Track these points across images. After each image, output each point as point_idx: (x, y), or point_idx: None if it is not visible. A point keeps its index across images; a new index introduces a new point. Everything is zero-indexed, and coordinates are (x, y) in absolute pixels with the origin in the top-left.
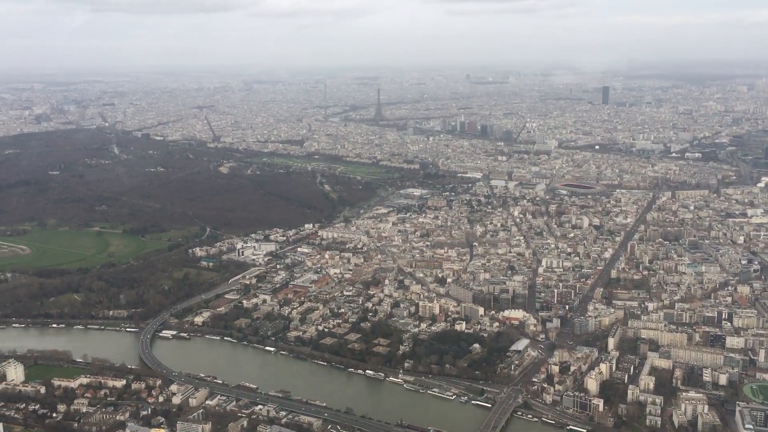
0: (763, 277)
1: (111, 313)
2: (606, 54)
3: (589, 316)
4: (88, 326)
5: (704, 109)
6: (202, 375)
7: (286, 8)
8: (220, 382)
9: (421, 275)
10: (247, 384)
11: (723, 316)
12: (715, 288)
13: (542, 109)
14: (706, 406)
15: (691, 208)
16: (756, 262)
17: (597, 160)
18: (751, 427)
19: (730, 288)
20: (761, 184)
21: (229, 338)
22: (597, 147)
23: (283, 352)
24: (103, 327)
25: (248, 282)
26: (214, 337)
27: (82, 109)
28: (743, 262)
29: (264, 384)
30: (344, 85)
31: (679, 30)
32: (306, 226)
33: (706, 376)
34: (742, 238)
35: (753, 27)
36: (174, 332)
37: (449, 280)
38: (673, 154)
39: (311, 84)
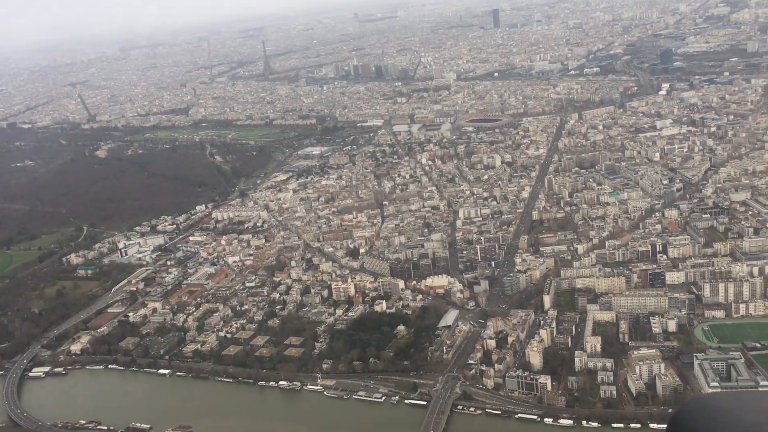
0: (687, 196)
1: None
2: None
3: (519, 271)
4: None
5: (593, 20)
6: (83, 422)
7: None
8: (105, 428)
9: (331, 249)
10: (139, 425)
11: (657, 249)
12: (642, 216)
13: (435, 41)
14: (662, 365)
15: (600, 128)
16: (677, 180)
17: (498, 89)
18: (716, 384)
19: (657, 214)
20: (663, 92)
21: (114, 365)
22: (496, 74)
23: (180, 373)
24: None
25: (134, 288)
26: (97, 367)
27: None
28: (665, 182)
29: (159, 421)
30: (229, 40)
31: None
32: (198, 208)
33: (655, 326)
34: (657, 154)
35: None
36: (47, 369)
37: (362, 250)
38: (572, 72)
39: (194, 43)
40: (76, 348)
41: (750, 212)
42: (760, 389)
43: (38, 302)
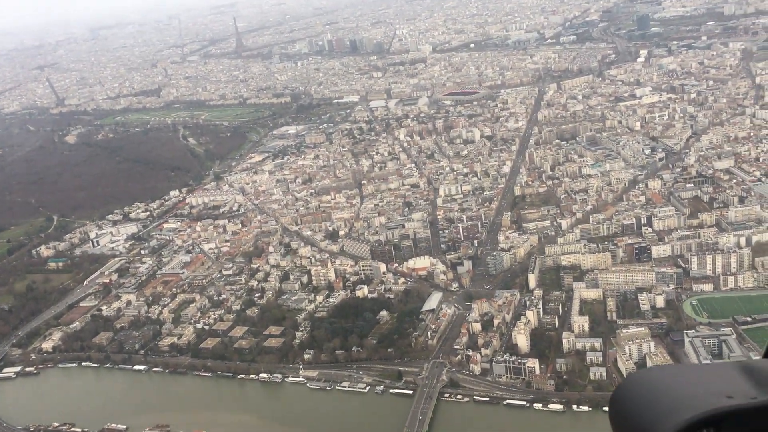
0: (670, 166)
1: None
2: None
3: (502, 250)
4: None
5: None
6: (56, 424)
7: None
8: (79, 430)
9: (309, 232)
10: (114, 426)
11: (642, 221)
12: (625, 188)
13: (410, 13)
14: (652, 343)
15: (580, 98)
16: (659, 150)
17: (475, 60)
18: (709, 362)
19: (640, 185)
20: (641, 59)
21: (88, 362)
22: (472, 45)
23: (157, 369)
24: None
25: (107, 280)
26: (70, 365)
27: None
28: (647, 151)
29: (135, 421)
30: (200, 17)
31: None
32: (171, 193)
33: (643, 302)
34: (638, 123)
35: None
36: (17, 369)
37: (341, 232)
38: (549, 41)
39: (164, 22)
40: (47, 346)
41: (734, 180)
42: (703, 362)
43: (8, 298)
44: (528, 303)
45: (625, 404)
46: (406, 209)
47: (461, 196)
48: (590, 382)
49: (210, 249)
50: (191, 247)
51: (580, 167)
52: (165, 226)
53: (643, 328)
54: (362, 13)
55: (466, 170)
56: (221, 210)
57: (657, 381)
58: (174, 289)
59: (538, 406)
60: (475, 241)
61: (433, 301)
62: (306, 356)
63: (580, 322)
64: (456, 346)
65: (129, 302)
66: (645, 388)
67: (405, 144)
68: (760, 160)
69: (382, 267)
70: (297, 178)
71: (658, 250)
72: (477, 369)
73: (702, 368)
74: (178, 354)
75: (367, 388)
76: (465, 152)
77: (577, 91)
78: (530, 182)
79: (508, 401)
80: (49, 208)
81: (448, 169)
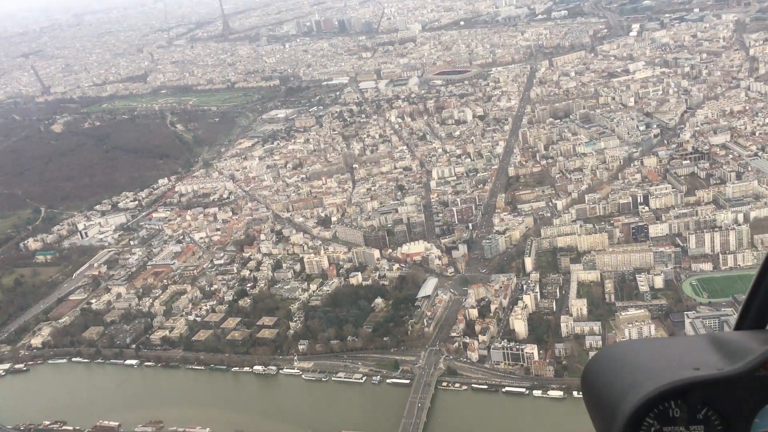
0: (665, 142)
1: None
2: None
3: (497, 232)
4: None
5: None
6: (47, 423)
7: None
8: (71, 428)
9: (301, 219)
10: (106, 423)
11: (638, 200)
12: (620, 166)
13: None
14: (652, 325)
15: (572, 74)
16: (654, 126)
17: (465, 38)
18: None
19: (636, 163)
20: (633, 33)
21: (78, 358)
22: (462, 23)
23: (149, 363)
24: None
25: (96, 272)
26: (60, 361)
27: None
28: (641, 128)
29: (128, 416)
30: None
31: None
32: (160, 182)
33: (641, 283)
34: (632, 99)
35: None
36: (7, 366)
37: (334, 218)
38: (540, 16)
39: (149, 5)
40: (36, 341)
41: (731, 156)
42: (674, 336)
43: None
44: (525, 287)
45: (593, 381)
46: (399, 193)
47: (455, 178)
48: None
49: (200, 238)
50: (181, 237)
51: (574, 146)
52: (154, 215)
53: (642, 310)
54: None
55: (458, 152)
56: (211, 198)
57: (624, 355)
58: (165, 281)
59: (537, 392)
60: (470, 224)
61: (429, 287)
62: (300, 347)
63: (579, 306)
64: (453, 333)
65: (119, 295)
66: (612, 363)
67: (396, 126)
68: (757, 134)
69: (376, 253)
70: (287, 163)
71: (656, 229)
72: (474, 356)
73: (670, 341)
74: (170, 347)
75: (364, 378)
76: (457, 133)
77: (570, 68)
78: (524, 162)
79: (506, 388)
80: (36, 200)
81: (440, 150)
